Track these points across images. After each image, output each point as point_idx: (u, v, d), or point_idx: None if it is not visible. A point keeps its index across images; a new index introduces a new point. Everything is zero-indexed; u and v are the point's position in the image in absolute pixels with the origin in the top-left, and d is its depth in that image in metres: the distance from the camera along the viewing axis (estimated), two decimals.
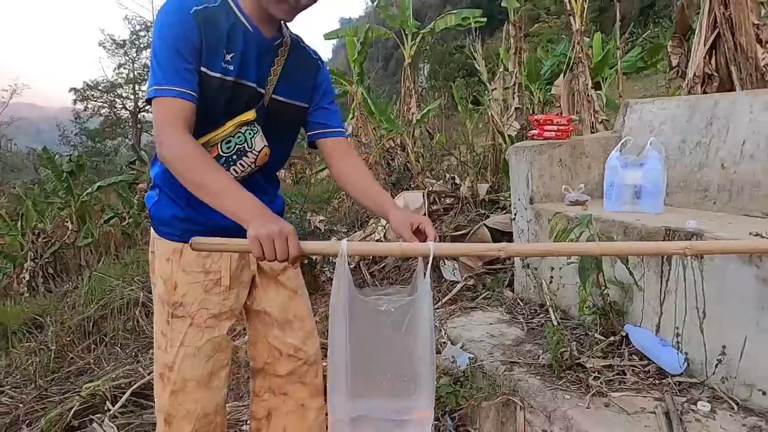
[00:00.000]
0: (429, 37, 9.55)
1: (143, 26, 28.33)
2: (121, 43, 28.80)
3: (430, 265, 1.15)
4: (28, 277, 7.35)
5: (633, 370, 1.95)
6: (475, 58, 6.51)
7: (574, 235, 1.87)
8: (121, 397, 2.70)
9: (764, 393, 1.62)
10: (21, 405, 2.91)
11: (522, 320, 2.58)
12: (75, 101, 28.87)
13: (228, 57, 1.29)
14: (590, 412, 1.71)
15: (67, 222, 8.58)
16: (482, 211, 4.05)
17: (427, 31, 8.99)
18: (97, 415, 2.62)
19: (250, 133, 1.34)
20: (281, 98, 1.41)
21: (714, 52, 3.37)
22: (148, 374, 2.89)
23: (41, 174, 9.82)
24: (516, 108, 5.19)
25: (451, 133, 7.06)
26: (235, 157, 1.33)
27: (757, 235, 1.75)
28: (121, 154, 23.23)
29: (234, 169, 1.34)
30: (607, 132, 3.45)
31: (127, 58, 29.09)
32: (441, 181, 4.26)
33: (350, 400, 1.18)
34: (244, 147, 1.34)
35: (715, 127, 2.41)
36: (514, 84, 5.41)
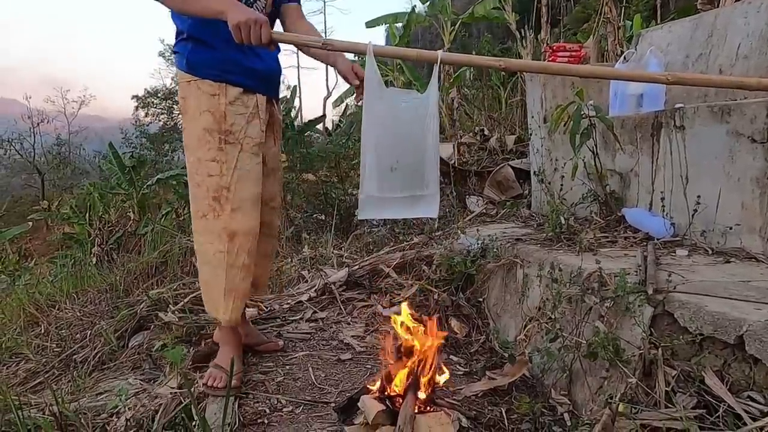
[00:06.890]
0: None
1: None
2: None
3: (438, 67, 1.49)
4: (94, 261, 8.17)
5: (625, 238, 2.17)
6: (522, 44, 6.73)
7: (569, 111, 2.12)
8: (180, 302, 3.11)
9: (731, 229, 1.81)
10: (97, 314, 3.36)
11: (533, 224, 2.82)
12: (137, 107, 30.63)
13: None
14: (578, 257, 1.94)
15: (130, 212, 9.41)
16: (509, 158, 4.28)
17: (466, 16, 9.26)
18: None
19: None
20: None
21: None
22: None
23: (104, 167, 10.75)
24: None
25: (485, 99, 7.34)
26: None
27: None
28: (178, 156, 24.52)
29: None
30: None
31: None
32: (470, 133, 4.51)
33: (378, 185, 1.50)
34: None
35: (715, 38, 2.59)
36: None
